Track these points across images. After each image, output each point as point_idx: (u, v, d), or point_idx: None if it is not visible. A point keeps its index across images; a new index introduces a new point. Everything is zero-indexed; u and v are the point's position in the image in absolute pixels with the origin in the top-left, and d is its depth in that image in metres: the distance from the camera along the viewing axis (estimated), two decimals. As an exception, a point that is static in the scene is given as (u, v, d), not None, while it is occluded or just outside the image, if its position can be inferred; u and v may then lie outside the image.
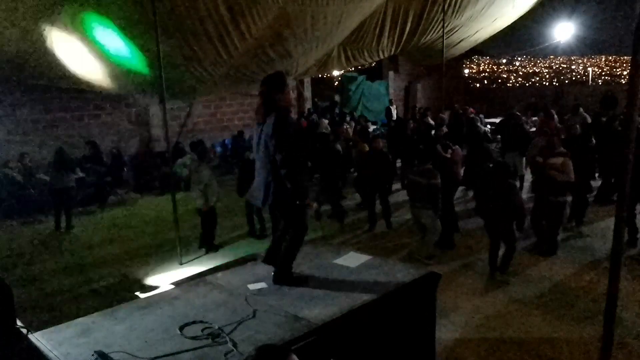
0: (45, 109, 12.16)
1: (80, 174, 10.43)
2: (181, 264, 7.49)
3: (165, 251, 8.10)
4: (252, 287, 4.00)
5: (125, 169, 12.34)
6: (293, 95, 15.85)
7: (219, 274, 4.25)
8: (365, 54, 14.49)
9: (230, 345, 3.00)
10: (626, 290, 5.84)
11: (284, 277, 4.00)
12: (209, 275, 4.27)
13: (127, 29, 8.68)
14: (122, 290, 6.63)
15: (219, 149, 14.41)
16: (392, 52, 15.61)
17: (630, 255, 7.01)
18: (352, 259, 4.46)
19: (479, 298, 6.01)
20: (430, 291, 4.10)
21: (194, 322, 3.31)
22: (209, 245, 8.09)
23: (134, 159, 12.60)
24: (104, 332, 3.26)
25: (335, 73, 18.04)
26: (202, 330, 3.20)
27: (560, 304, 5.79)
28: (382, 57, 15.74)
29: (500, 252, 6.50)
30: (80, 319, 3.48)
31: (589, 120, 12.45)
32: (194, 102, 13.38)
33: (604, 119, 11.67)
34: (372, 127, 13.92)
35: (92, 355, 2.36)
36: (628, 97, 3.34)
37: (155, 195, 11.91)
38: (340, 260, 4.44)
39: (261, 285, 4.05)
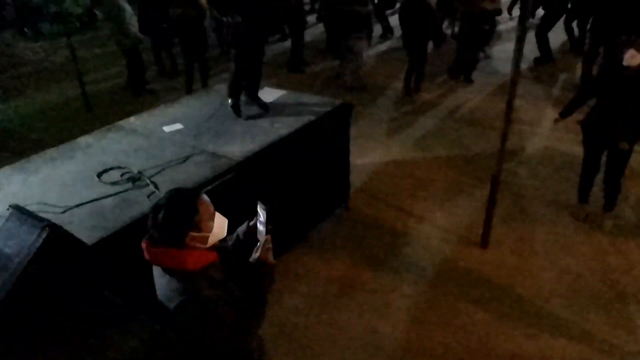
0: None
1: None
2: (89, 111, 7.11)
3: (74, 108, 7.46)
4: (167, 128, 3.96)
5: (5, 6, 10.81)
6: None
7: (132, 118, 4.13)
8: None
9: (152, 187, 3.06)
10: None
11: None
12: (122, 120, 4.14)
13: None
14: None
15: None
16: None
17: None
18: (268, 95, 4.45)
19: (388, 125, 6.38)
20: (344, 120, 4.27)
21: (111, 168, 3.29)
22: (140, 91, 7.54)
23: None
24: (17, 186, 3.17)
25: None
26: (122, 175, 3.21)
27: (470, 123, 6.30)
28: None
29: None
30: (-11, 173, 3.34)
31: None
32: None
33: None
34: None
35: (7, 209, 2.31)
36: None
37: (47, 40, 10.66)
38: (256, 96, 4.44)
39: (177, 126, 4.01)
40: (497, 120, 5.79)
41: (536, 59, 8.14)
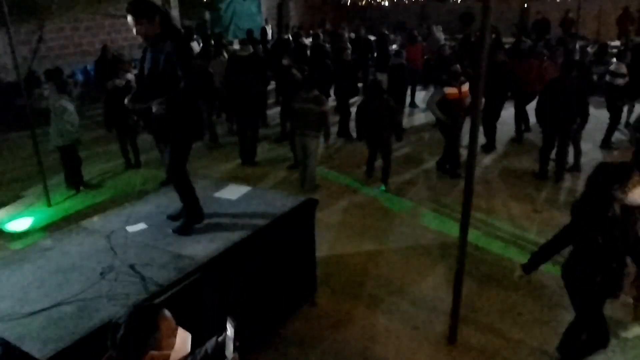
0: None
1: None
2: (50, 206, 7.00)
3: (32, 193, 7.46)
4: (130, 229, 3.93)
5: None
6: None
7: (95, 218, 4.09)
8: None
9: (112, 291, 2.98)
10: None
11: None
12: (85, 220, 4.09)
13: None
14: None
15: (80, 76, 13.13)
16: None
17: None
18: (232, 191, 4.52)
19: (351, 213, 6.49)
20: (309, 216, 4.33)
21: (72, 271, 3.21)
22: (77, 185, 7.59)
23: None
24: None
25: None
26: (83, 280, 3.13)
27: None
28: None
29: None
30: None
31: (442, 41, 13.37)
32: (45, 25, 11.91)
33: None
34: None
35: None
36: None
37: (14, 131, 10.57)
38: (220, 194, 4.49)
39: (141, 226, 3.98)
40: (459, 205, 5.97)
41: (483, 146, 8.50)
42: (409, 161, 8.35)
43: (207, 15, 17.73)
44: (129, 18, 3.55)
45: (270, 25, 17.62)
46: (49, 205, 6.99)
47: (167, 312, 1.85)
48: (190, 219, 3.89)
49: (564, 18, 15.79)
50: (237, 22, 17.23)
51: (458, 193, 6.55)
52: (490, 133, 8.52)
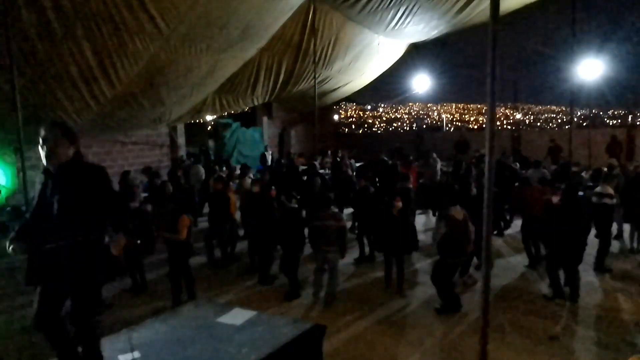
0: None
1: None
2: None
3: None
4: (123, 358, 3.71)
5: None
6: (166, 140, 15.35)
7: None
8: (240, 101, 14.60)
9: None
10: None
11: None
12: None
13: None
14: None
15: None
16: (267, 100, 15.94)
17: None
18: (237, 316, 4.34)
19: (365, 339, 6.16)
20: (317, 343, 4.13)
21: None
22: None
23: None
24: None
25: (209, 118, 17.77)
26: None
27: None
28: (256, 104, 15.98)
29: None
30: None
31: (438, 167, 13.97)
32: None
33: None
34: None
35: None
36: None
37: None
38: (224, 319, 4.31)
39: (134, 355, 3.76)
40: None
41: None
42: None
43: (211, 143, 18.53)
44: (50, 138, 3.29)
45: (270, 152, 18.33)
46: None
47: None
48: None
49: (551, 147, 16.55)
50: (240, 149, 17.94)
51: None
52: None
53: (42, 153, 3.31)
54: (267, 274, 7.96)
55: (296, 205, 7.96)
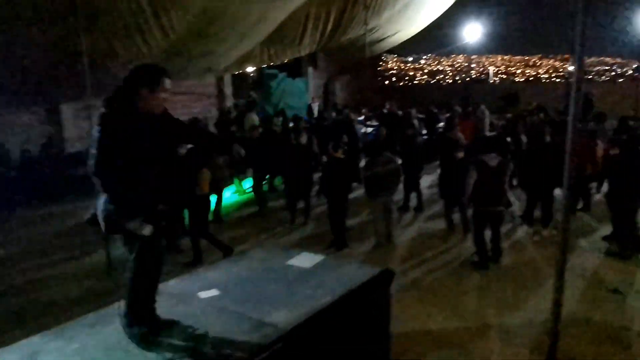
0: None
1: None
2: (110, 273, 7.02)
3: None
4: (203, 294, 3.87)
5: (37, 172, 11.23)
6: (214, 91, 15.47)
7: (171, 282, 4.06)
8: (288, 51, 14.47)
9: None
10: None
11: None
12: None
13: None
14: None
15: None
16: (314, 50, 15.74)
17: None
18: (306, 260, 4.45)
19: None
20: (386, 288, 4.20)
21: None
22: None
23: (44, 161, 11.56)
24: (54, 354, 3.01)
25: (250, 69, 17.64)
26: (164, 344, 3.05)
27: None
28: (303, 54, 15.81)
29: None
30: (24, 341, 3.18)
31: (487, 119, 13.53)
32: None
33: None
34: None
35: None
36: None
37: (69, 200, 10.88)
38: (293, 262, 4.42)
39: (213, 292, 3.93)
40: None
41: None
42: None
43: (254, 95, 18.51)
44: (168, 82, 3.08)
45: (317, 103, 18.25)
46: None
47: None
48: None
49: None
50: (286, 100, 17.90)
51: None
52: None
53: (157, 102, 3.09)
54: (342, 238, 7.71)
55: (343, 156, 7.99)
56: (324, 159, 8.89)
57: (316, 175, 9.28)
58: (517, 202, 8.32)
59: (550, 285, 4.30)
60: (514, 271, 6.60)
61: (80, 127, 12.06)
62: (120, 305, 3.16)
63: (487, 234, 6.73)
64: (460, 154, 7.63)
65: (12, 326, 5.34)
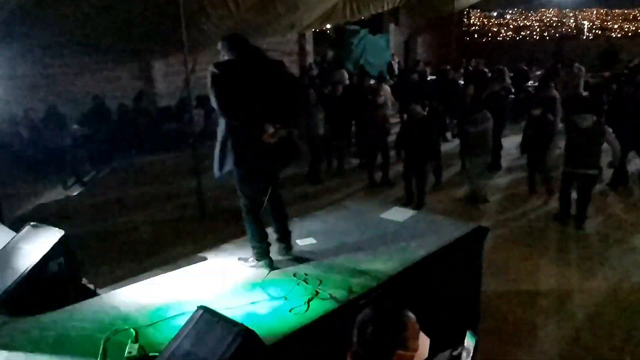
0: (44, 64, 11.74)
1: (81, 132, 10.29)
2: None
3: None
4: (301, 242, 4.04)
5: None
6: (295, 48, 15.53)
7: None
8: (370, 6, 14.14)
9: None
10: None
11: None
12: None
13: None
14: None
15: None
16: (397, 4, 15.27)
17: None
18: (398, 214, 4.51)
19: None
20: (479, 245, 4.19)
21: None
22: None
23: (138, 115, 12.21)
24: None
25: (328, 26, 17.37)
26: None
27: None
28: (386, 9, 15.39)
29: None
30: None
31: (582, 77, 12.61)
32: (198, 56, 13.05)
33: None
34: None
35: (196, 310, 2.37)
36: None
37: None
38: (386, 215, 4.49)
39: (310, 240, 4.08)
40: None
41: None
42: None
43: (330, 52, 18.26)
44: None
45: (397, 60, 17.85)
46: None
47: (412, 314, 1.84)
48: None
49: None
50: (367, 57, 17.62)
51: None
52: None
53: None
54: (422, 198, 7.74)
55: (425, 113, 7.89)
56: (404, 117, 8.84)
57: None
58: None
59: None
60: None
61: (171, 83, 12.62)
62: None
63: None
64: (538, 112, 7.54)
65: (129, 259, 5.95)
